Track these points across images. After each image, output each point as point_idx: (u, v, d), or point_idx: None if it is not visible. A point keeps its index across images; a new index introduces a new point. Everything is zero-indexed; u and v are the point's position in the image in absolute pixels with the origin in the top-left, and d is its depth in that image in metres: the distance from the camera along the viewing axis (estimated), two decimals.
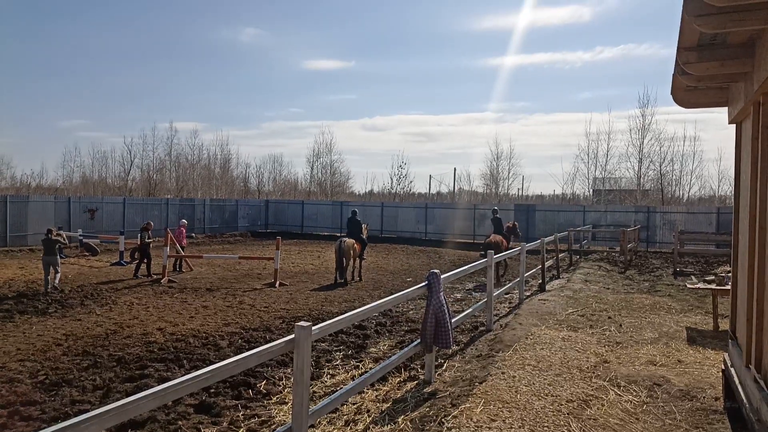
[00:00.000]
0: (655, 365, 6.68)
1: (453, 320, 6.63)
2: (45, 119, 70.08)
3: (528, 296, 11.99)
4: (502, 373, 6.21)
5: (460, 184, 56.99)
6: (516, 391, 5.58)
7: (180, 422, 5.42)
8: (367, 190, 60.66)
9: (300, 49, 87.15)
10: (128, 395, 6.02)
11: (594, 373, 6.28)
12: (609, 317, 9.64)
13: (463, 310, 9.95)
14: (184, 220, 19.63)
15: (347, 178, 58.58)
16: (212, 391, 6.19)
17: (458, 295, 12.98)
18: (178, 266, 16.79)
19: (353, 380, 6.41)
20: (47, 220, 23.71)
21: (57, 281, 12.87)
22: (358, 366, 7.31)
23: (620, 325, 8.95)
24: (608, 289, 13.43)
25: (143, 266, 15.82)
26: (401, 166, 51.33)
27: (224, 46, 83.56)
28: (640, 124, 36.40)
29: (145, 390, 6.03)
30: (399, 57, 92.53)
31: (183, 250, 17.76)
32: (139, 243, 16.10)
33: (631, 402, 5.38)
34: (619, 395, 5.55)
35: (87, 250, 21.19)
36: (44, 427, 5.19)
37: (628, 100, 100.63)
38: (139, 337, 8.81)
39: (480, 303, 9.15)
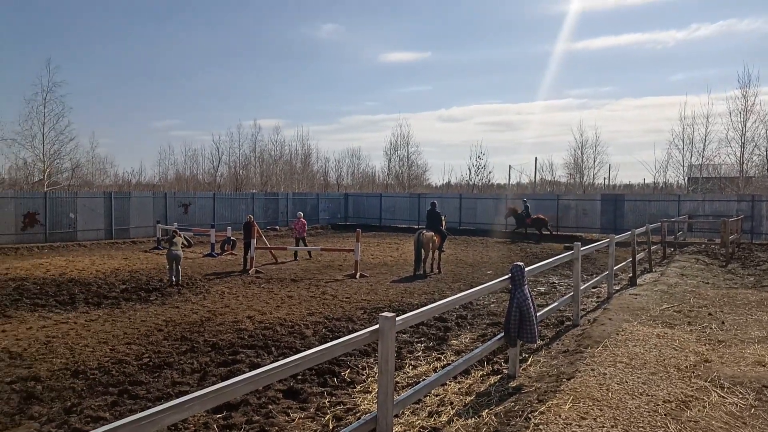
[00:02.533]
0: (764, 366, 6.14)
1: (538, 314, 6.44)
2: (142, 120, 75.55)
3: (617, 291, 11.42)
4: (592, 369, 5.96)
5: (541, 174, 55.25)
6: (607, 389, 5.33)
7: (270, 406, 5.66)
8: (444, 182, 60.36)
9: (376, 42, 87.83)
10: (222, 379, 6.38)
11: (693, 372, 5.87)
12: (709, 314, 8.97)
13: (547, 304, 9.65)
14: (300, 213, 20.83)
15: (424, 170, 58.57)
16: (299, 377, 6.41)
17: (542, 289, 12.60)
18: (308, 254, 18.45)
19: (435, 372, 6.41)
20: (147, 215, 25.55)
21: (180, 275, 13.36)
22: (439, 358, 7.29)
23: (722, 323, 8.31)
24: (707, 283, 12.51)
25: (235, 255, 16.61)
26: (479, 156, 50.40)
27: (303, 44, 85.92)
28: (742, 106, 33.48)
29: (237, 374, 6.35)
30: (475, 46, 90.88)
31: (304, 242, 19.24)
32: (244, 236, 16.58)
33: (736, 405, 4.98)
34: (723, 397, 5.16)
35: (163, 241, 22.53)
36: (150, 406, 5.61)
37: (727, 81, 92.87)
38: (231, 324, 9.28)
39: (566, 297, 8.83)
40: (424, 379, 5.95)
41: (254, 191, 38.96)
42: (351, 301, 11.30)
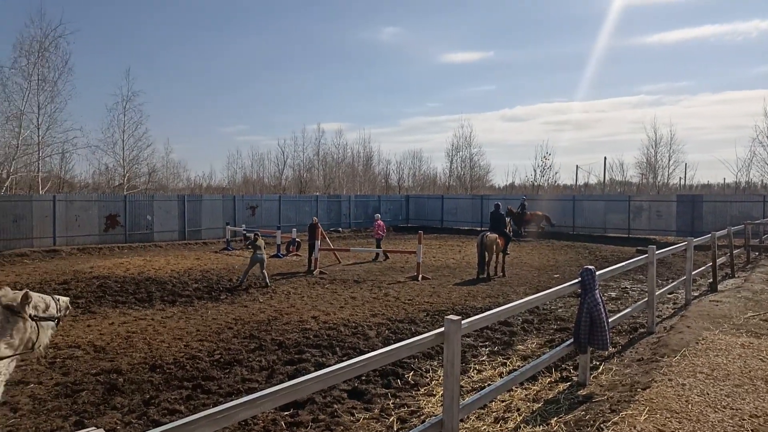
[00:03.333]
0: None
1: (609, 320, 6.17)
2: (212, 126, 78.87)
3: (696, 297, 10.78)
4: (669, 380, 5.64)
5: (611, 174, 53.12)
6: (686, 401, 5.03)
7: (335, 405, 5.73)
8: (507, 183, 59.18)
9: (438, 43, 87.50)
10: (289, 377, 6.54)
11: None
12: None
13: (619, 310, 9.24)
14: (378, 214, 21.51)
15: (487, 171, 57.75)
16: (363, 378, 6.45)
17: (613, 294, 12.09)
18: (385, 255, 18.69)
19: (501, 377, 6.28)
20: (217, 217, 26.63)
21: (268, 278, 13.55)
22: (505, 363, 7.13)
23: None
24: None
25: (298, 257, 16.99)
26: (545, 156, 49.12)
27: (365, 48, 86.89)
28: None
29: (303, 373, 6.48)
30: (540, 43, 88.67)
31: (380, 243, 19.69)
32: (309, 238, 16.95)
33: None
34: None
35: (249, 244, 23.35)
36: (221, 401, 5.82)
37: None
38: (296, 324, 9.50)
39: (640, 303, 8.42)
40: (489, 384, 5.84)
41: (318, 194, 39.76)
42: (413, 304, 11.28)
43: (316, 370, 6.64)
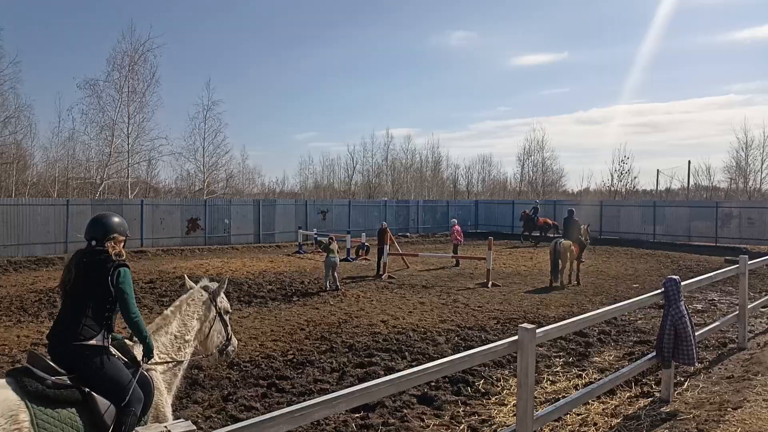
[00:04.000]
0: None
1: (696, 334, 5.81)
2: (285, 134, 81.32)
3: None
4: (765, 400, 5.23)
5: (696, 179, 50.03)
6: None
7: (405, 410, 5.75)
8: (582, 188, 57.08)
9: (509, 46, 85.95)
10: (359, 380, 6.62)
11: None
12: None
13: (706, 323, 8.68)
14: (454, 219, 21.40)
15: (560, 176, 56.01)
16: (433, 384, 6.42)
17: (699, 306, 11.36)
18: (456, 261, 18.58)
19: (577, 389, 6.07)
20: (289, 221, 27.46)
21: (338, 281, 13.77)
22: (580, 375, 6.88)
23: None
24: None
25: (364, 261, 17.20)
26: (623, 160, 46.97)
27: (434, 53, 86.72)
28: None
29: (373, 376, 6.54)
30: (617, 42, 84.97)
31: (458, 249, 19.70)
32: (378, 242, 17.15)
33: None
34: None
35: (320, 246, 23.92)
36: (295, 400, 5.99)
37: None
38: (366, 327, 9.61)
39: (729, 316, 7.87)
40: (564, 396, 5.66)
41: (386, 198, 40.10)
42: (483, 311, 11.12)
43: (385, 374, 6.68)
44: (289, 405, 5.88)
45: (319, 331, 9.34)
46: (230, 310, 4.27)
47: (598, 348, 8.21)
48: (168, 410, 3.56)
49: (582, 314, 4.82)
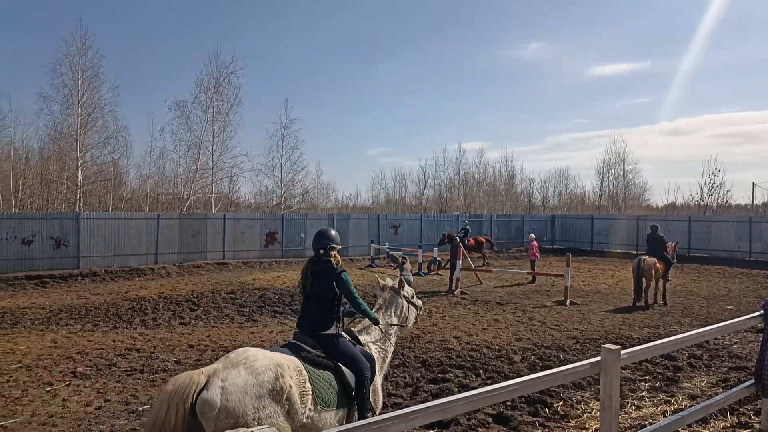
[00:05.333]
0: None
1: None
2: (358, 149, 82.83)
3: None
4: None
5: None
6: None
7: (479, 429, 5.65)
8: (667, 203, 53.92)
9: (586, 56, 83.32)
10: (433, 395, 6.58)
11: None
12: None
13: None
14: (532, 234, 20.86)
15: (643, 190, 53.32)
16: (509, 404, 6.26)
17: None
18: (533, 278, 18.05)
19: (665, 416, 5.71)
20: (362, 235, 27.86)
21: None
22: (668, 401, 6.46)
23: None
24: None
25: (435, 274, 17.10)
26: (713, 173, 43.94)
27: (508, 65, 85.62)
28: None
29: (447, 393, 6.49)
30: (704, 49, 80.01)
31: (535, 265, 19.13)
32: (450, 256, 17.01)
33: None
34: None
35: (392, 261, 24.08)
36: (368, 415, 6.04)
37: None
38: (439, 343, 9.54)
39: None
40: (651, 423, 5.34)
41: (458, 213, 39.75)
42: (561, 330, 10.72)
43: (459, 391, 6.62)
44: (361, 419, 5.95)
45: None
46: (419, 306, 5.51)
47: (688, 373, 7.69)
48: (380, 387, 4.72)
49: (670, 336, 4.54)
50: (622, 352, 3.72)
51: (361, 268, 22.62)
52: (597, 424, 5.59)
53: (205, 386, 3.30)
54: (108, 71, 42.98)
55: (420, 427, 5.38)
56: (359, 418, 3.98)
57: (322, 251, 4.46)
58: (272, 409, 3.39)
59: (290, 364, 3.70)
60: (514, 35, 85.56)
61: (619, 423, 5.63)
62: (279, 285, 16.88)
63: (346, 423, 3.90)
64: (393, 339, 5.03)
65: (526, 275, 18.44)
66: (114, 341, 9.56)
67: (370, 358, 4.42)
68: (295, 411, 3.54)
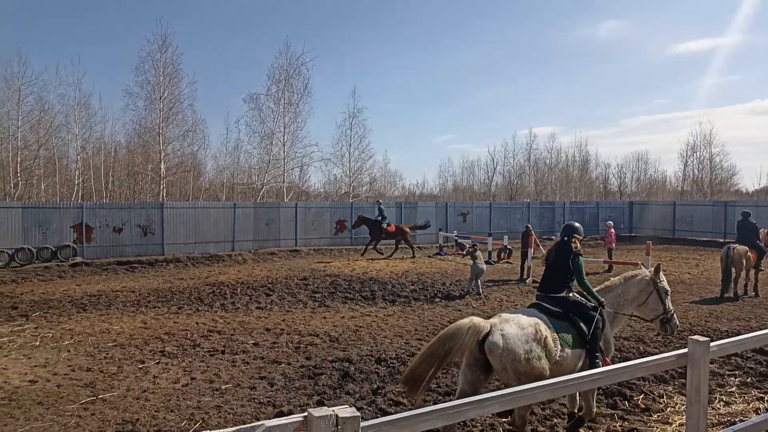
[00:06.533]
0: None
1: None
2: (425, 136, 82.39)
3: None
4: None
5: None
6: None
7: (555, 419, 5.54)
8: (759, 187, 50.03)
9: (666, 33, 78.30)
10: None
11: None
12: None
13: None
14: (610, 222, 20.19)
15: (731, 174, 49.68)
16: None
17: None
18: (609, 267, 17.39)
19: (757, 413, 5.36)
20: (430, 222, 27.82)
21: (481, 288, 13.45)
22: (762, 398, 6.06)
23: None
24: None
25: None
26: None
27: (580, 46, 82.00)
28: None
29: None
30: None
31: (612, 253, 18.61)
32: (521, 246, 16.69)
33: None
34: None
35: (461, 249, 23.89)
36: (441, 400, 6.07)
37: None
38: None
39: None
40: (742, 419, 5.03)
41: (528, 200, 38.81)
42: (640, 320, 10.24)
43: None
44: (435, 403, 5.99)
45: None
46: (669, 290, 5.60)
47: None
48: (611, 339, 5.39)
49: (763, 330, 4.24)
50: (712, 344, 3.53)
51: (429, 256, 22.60)
52: (681, 418, 5.34)
53: (489, 333, 4.52)
54: (187, 67, 44.98)
55: (494, 414, 5.37)
56: (591, 358, 4.89)
57: (566, 238, 5.45)
58: (536, 351, 4.49)
59: (541, 320, 4.78)
60: (587, 14, 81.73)
61: (707, 419, 5.36)
62: (349, 272, 17.20)
63: (585, 360, 4.91)
64: (626, 310, 5.57)
65: (603, 264, 17.75)
66: (197, 323, 10.13)
67: (601, 315, 5.16)
68: (550, 351, 4.60)
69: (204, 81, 65.81)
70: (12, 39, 52.95)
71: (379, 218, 22.34)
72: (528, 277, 15.55)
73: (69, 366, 7.48)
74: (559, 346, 4.73)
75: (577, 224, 5.67)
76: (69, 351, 8.24)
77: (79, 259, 18.94)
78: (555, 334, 4.77)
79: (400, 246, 22.42)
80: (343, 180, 39.80)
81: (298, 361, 7.73)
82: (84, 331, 9.44)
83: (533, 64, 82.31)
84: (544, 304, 5.20)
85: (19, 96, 30.55)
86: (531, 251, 16.00)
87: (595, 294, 5.30)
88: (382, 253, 21.99)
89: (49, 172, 33.33)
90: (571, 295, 5.32)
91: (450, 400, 2.86)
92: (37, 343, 8.68)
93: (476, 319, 4.60)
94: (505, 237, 21.79)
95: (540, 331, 4.63)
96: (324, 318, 10.64)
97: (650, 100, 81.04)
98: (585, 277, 5.34)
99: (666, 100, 79.44)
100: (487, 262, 19.61)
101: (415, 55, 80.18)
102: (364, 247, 22.47)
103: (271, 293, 13.30)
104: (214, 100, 63.67)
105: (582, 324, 4.99)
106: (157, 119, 30.59)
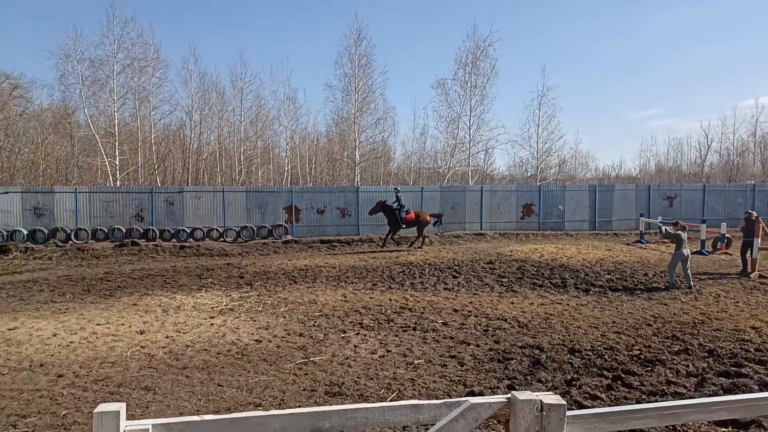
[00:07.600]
0: None
1: None
2: (621, 113, 75.39)
3: None
4: None
5: None
6: None
7: None
8: None
9: None
10: (725, 390, 5.76)
11: None
12: None
13: None
14: None
15: None
16: None
17: None
18: None
19: None
20: (629, 208, 25.52)
21: (691, 278, 12.00)
22: None
23: None
24: None
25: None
26: None
27: None
28: None
29: (743, 389, 5.62)
30: None
31: None
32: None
33: None
34: None
35: (665, 238, 21.44)
36: (644, 399, 5.59)
37: None
38: (730, 332, 8.22)
39: None
40: None
41: (753, 182, 33.19)
42: None
43: (760, 390, 5.65)
44: (637, 402, 5.53)
45: (669, 329, 8.42)
46: None
47: None
48: None
49: None
50: None
51: (627, 244, 20.74)
52: None
53: None
54: (378, 58, 47.47)
55: (711, 422, 4.81)
56: None
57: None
58: None
59: None
60: None
61: None
62: (537, 257, 16.64)
63: None
64: None
65: None
66: (390, 300, 10.76)
67: None
68: None
69: (394, 70, 68.70)
70: (233, 42, 61.32)
71: (398, 207, 20.02)
72: (753, 271, 13.37)
73: (285, 330, 8.55)
74: None
75: None
76: (284, 317, 9.41)
77: (289, 237, 21.49)
78: None
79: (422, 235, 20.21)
80: (530, 162, 38.52)
81: (486, 344, 7.75)
82: (296, 301, 10.69)
83: (756, 23, 69.56)
84: None
85: (242, 94, 35.61)
86: (757, 241, 13.70)
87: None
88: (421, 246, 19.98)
89: (264, 160, 38.30)
90: None
91: (656, 401, 2.60)
92: (260, 309, 10.07)
93: None
94: (723, 224, 18.95)
95: None
96: (512, 303, 10.49)
97: None
98: None
99: None
100: (699, 252, 17.39)
101: (611, 23, 73.37)
102: (383, 238, 20.65)
103: (457, 275, 13.51)
104: (404, 88, 66.21)
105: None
106: (352, 109, 32.97)
